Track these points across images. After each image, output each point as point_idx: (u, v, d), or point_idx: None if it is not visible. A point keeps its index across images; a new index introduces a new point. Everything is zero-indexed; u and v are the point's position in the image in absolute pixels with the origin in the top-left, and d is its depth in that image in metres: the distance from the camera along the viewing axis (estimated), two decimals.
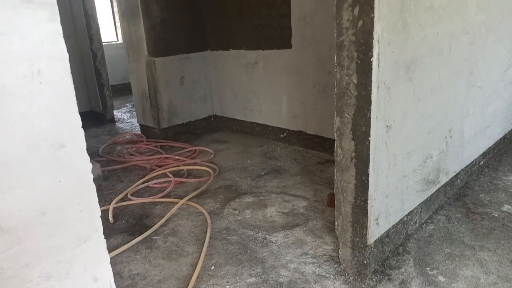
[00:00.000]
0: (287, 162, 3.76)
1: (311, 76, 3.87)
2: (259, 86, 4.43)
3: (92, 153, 4.31)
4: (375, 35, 1.74)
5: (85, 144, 0.91)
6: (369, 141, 1.89)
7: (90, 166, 0.93)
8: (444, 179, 2.69)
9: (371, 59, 1.77)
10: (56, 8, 0.84)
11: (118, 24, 8.27)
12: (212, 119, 5.11)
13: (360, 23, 1.76)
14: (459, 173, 2.88)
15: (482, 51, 2.74)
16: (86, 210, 0.94)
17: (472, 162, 3.07)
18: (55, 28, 0.83)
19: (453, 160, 2.74)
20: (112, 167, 3.81)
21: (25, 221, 0.83)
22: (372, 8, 1.70)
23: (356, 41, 1.80)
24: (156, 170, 3.62)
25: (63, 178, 0.88)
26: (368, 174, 1.94)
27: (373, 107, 1.85)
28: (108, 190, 3.32)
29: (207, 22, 4.73)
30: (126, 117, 5.94)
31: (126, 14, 4.45)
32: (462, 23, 2.39)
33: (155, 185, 3.33)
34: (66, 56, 0.84)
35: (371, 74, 1.79)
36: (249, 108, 4.65)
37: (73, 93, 0.87)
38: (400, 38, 1.90)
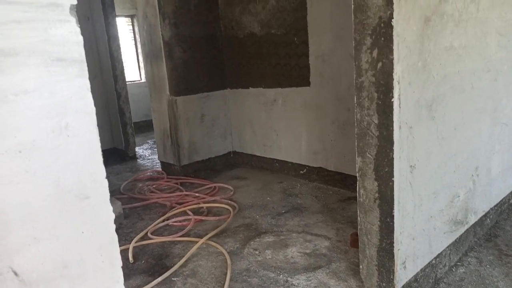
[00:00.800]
0: (308, 200, 3.70)
1: (330, 113, 3.87)
2: (278, 123, 4.46)
3: (114, 190, 4.37)
4: (395, 76, 1.75)
5: (108, 194, 0.92)
6: (392, 181, 1.85)
7: (113, 216, 0.93)
8: (473, 219, 2.58)
9: (392, 100, 1.76)
10: (85, 64, 0.87)
11: (141, 65, 8.60)
12: (231, 155, 5.14)
13: (380, 65, 1.77)
14: (488, 212, 2.77)
15: (506, 87, 2.69)
16: (108, 261, 0.93)
17: (502, 200, 2.95)
18: (84, 83, 0.86)
19: (482, 199, 2.64)
20: (133, 204, 3.83)
21: (47, 274, 0.83)
22: (391, 50, 1.72)
23: (376, 82, 1.81)
24: (176, 208, 3.62)
25: (86, 229, 0.89)
26: (393, 215, 1.88)
27: (395, 147, 1.82)
28: (129, 229, 3.32)
29: (227, 61, 4.87)
30: (147, 154, 6.04)
31: (149, 57, 4.63)
32: (483, 61, 2.37)
33: (175, 223, 3.32)
34: (93, 110, 0.87)
35: (392, 114, 1.78)
36: (268, 145, 4.66)
37: (99, 145, 0.89)
38: (420, 78, 1.90)
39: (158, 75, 4.57)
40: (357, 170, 1.99)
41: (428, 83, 1.96)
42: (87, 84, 0.87)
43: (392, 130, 1.80)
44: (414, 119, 1.90)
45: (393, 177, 1.84)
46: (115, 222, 0.96)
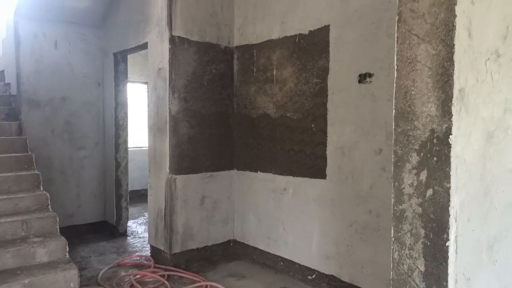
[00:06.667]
0: None
1: (347, 213, 3.35)
2: (286, 215, 3.94)
3: (91, 278, 3.77)
4: (452, 211, 1.27)
5: None
6: None
7: None
8: None
9: (447, 243, 1.26)
10: None
11: None
12: (231, 244, 4.55)
13: (430, 192, 1.30)
14: None
15: None
16: None
17: None
18: None
19: None
20: None
21: None
22: (448, 176, 1.26)
23: (423, 215, 1.32)
24: None
25: None
26: None
27: None
28: None
29: (237, 141, 4.50)
30: (140, 230, 5.47)
31: (153, 129, 4.31)
32: None
33: None
34: None
35: (446, 263, 1.27)
36: (273, 238, 4.09)
37: None
38: (481, 211, 1.41)
39: (160, 149, 4.20)
40: None
41: (489, 216, 1.47)
42: None
43: (446, 285, 1.27)
44: (473, 267, 1.38)
45: None
46: None
